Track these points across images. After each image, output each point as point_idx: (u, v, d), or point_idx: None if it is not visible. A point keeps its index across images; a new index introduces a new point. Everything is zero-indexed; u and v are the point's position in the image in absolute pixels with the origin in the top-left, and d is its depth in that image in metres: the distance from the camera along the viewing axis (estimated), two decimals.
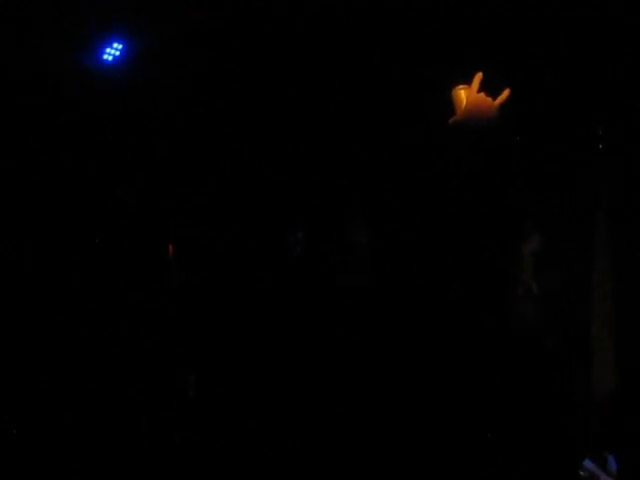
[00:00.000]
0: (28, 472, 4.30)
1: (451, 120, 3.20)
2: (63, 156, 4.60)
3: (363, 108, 4.02)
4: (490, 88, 3.18)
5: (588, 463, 4.06)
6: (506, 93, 3.18)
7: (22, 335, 4.57)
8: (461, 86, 3.20)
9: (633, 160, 3.88)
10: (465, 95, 3.18)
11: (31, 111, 4.55)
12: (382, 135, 3.90)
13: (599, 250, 4.01)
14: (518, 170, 3.51)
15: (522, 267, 3.76)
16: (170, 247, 4.62)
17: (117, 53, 4.56)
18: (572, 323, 3.98)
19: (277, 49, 4.26)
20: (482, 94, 3.16)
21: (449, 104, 3.20)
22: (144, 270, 4.71)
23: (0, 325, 4.55)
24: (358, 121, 4.03)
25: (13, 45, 4.43)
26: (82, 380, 4.54)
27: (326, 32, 4.09)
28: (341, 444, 4.02)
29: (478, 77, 3.16)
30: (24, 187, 4.63)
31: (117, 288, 4.71)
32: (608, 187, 3.96)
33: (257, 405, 4.28)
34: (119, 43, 4.54)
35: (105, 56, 4.57)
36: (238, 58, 4.37)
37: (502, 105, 3.18)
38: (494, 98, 3.18)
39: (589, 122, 3.90)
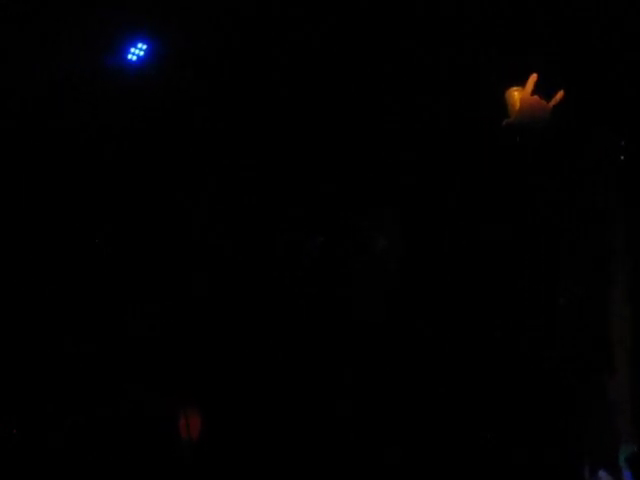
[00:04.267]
0: (28, 472, 4.08)
1: (505, 122, 3.00)
2: (86, 154, 4.36)
3: (413, 110, 3.83)
4: (544, 90, 2.98)
5: (602, 474, 3.94)
6: (560, 95, 2.98)
7: (22, 336, 4.33)
8: (515, 88, 3.00)
9: None
10: (519, 97, 2.98)
11: (56, 110, 4.33)
12: (432, 136, 3.70)
13: (618, 256, 3.90)
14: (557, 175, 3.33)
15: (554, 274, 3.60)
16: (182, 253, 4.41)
17: (141, 53, 4.34)
18: (592, 329, 3.86)
19: (310, 52, 4.06)
20: (536, 96, 2.96)
21: (503, 105, 3.00)
22: (148, 274, 4.48)
23: (0, 326, 4.32)
24: (406, 123, 3.84)
25: (39, 46, 4.21)
26: (83, 381, 4.29)
27: (376, 28, 3.89)
28: (344, 447, 3.86)
29: (532, 79, 2.98)
30: (45, 184, 4.41)
31: (118, 290, 4.47)
32: (627, 194, 3.86)
33: (262, 417, 4.08)
34: (143, 43, 4.32)
35: (129, 56, 4.35)
36: (265, 58, 4.16)
37: (555, 107, 2.97)
38: (548, 100, 2.97)
39: (612, 134, 3.76)
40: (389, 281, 4.00)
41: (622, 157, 3.78)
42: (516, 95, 2.99)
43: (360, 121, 4.08)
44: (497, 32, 3.64)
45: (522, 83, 2.98)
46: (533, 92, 2.97)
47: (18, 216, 4.43)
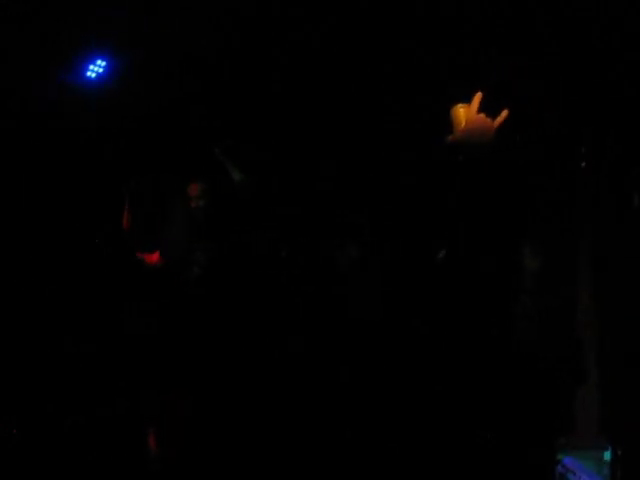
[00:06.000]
0: (28, 472, 4.00)
1: (449, 138, 2.89)
2: (47, 169, 4.32)
3: (361, 123, 3.75)
4: (488, 108, 2.88)
5: (567, 460, 3.94)
6: (505, 114, 2.88)
7: (22, 336, 4.36)
8: (460, 105, 2.89)
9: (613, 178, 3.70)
10: (464, 114, 2.87)
11: (16, 128, 4.26)
12: (379, 151, 3.62)
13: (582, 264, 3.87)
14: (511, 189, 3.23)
15: (519, 284, 3.53)
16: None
17: (100, 70, 4.24)
18: (562, 332, 3.84)
19: (275, 71, 3.97)
20: (482, 114, 2.86)
21: (448, 122, 2.90)
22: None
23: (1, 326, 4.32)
24: (356, 137, 3.76)
25: None
26: (82, 381, 4.31)
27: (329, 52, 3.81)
28: (341, 445, 3.81)
29: (478, 97, 2.86)
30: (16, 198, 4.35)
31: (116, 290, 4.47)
32: (591, 205, 3.82)
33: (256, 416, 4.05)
34: (102, 60, 4.22)
35: (88, 73, 4.25)
36: (228, 74, 4.08)
37: (500, 126, 2.88)
38: (493, 118, 2.88)
39: (574, 140, 3.68)
40: (385, 280, 3.95)
41: (583, 164, 3.72)
42: (462, 112, 2.89)
43: (349, 122, 4.01)
44: (444, 50, 3.55)
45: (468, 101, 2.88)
46: (479, 110, 2.88)
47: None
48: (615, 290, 3.90)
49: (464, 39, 3.69)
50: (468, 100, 2.85)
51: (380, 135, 3.81)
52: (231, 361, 4.12)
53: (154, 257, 4.29)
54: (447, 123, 2.89)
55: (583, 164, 3.74)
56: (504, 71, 3.28)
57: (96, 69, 4.19)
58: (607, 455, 3.94)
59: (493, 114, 2.86)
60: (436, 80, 3.66)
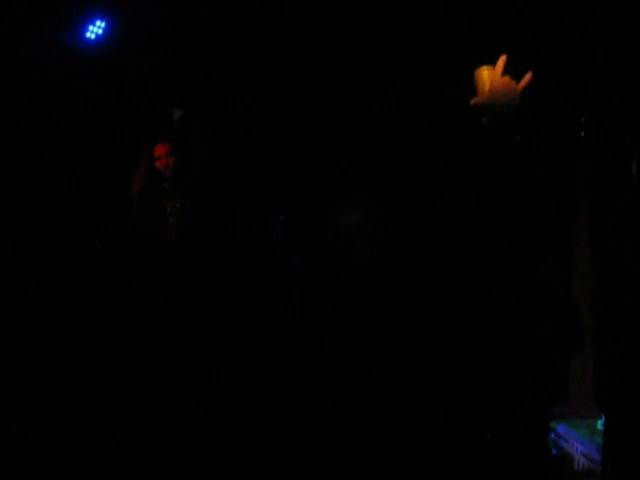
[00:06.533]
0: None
1: (473, 101, 2.85)
2: (46, 134, 4.22)
3: (380, 86, 3.69)
4: (512, 71, 2.85)
5: (561, 428, 3.98)
6: (528, 77, 2.85)
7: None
8: (485, 67, 2.85)
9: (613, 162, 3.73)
10: (488, 77, 2.83)
11: (16, 91, 4.14)
12: (397, 113, 3.57)
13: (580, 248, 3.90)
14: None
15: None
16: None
17: (100, 31, 4.15)
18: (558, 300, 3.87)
19: (273, 34, 3.91)
20: (507, 77, 2.82)
21: (471, 84, 2.86)
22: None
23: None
24: (373, 101, 3.70)
25: None
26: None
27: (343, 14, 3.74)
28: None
29: (503, 59, 2.82)
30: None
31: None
32: (588, 190, 3.85)
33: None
34: (102, 21, 4.12)
35: (88, 34, 4.15)
36: (226, 38, 4.01)
37: (524, 89, 2.85)
38: (517, 82, 2.85)
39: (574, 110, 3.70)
40: (386, 249, 3.90)
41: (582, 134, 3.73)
42: (486, 75, 2.85)
43: (337, 104, 3.97)
44: (468, 12, 3.50)
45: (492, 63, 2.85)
46: (503, 72, 2.85)
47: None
48: (613, 261, 3.94)
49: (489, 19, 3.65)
50: (492, 62, 2.84)
51: (395, 99, 3.76)
52: (221, 325, 4.09)
53: None
54: (470, 85, 2.87)
55: (583, 133, 3.75)
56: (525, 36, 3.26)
57: (96, 30, 4.11)
58: (600, 424, 4.01)
59: (516, 77, 2.85)
60: (457, 42, 3.61)
